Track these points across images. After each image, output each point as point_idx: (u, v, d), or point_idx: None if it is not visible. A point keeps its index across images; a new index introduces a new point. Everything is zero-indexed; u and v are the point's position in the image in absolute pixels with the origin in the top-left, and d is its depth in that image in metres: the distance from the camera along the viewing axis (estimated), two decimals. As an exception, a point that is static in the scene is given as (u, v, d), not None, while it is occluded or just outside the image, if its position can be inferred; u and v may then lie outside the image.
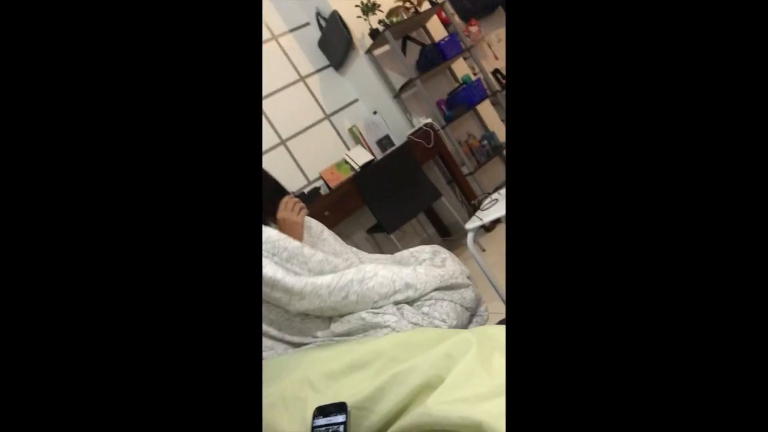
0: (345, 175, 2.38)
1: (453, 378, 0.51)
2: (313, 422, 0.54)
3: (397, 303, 0.78)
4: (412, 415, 0.50)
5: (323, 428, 0.52)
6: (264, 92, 2.38)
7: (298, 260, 0.78)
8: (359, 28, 2.29)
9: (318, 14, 2.42)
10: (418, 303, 0.80)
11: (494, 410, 0.43)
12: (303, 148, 2.43)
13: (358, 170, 2.30)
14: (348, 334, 0.75)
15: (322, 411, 0.54)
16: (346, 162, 2.41)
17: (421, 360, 0.56)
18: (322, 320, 0.80)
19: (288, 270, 0.76)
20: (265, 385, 0.73)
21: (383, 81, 2.42)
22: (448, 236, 2.58)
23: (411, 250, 0.97)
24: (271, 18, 2.48)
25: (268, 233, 0.78)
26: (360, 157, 2.39)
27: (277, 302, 0.77)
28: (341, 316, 0.77)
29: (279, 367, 0.71)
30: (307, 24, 2.54)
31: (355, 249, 1.06)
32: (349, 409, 0.52)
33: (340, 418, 0.52)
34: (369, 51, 2.34)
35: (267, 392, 0.64)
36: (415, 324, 0.74)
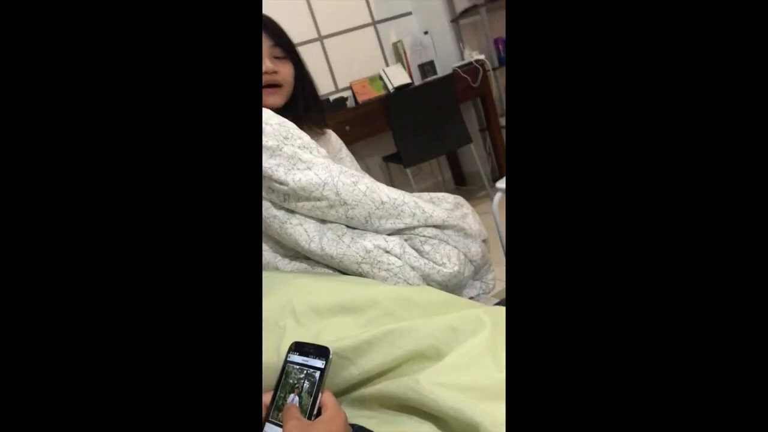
0: (376, 92, 2.21)
1: (454, 357, 0.45)
2: (287, 356, 0.48)
3: (401, 231, 0.71)
4: (399, 384, 0.44)
5: (297, 367, 0.47)
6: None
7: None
8: (436, -73, 2.00)
9: None
10: (421, 239, 0.73)
11: (497, 414, 0.37)
12: (339, 50, 2.23)
13: (392, 91, 2.13)
14: (341, 260, 0.68)
15: (300, 348, 0.48)
16: (381, 78, 2.23)
17: (421, 324, 0.49)
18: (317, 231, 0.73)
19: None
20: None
21: (444, 0, 2.16)
22: (463, 185, 2.48)
23: (432, 194, 0.88)
24: None
25: (282, 119, 0.69)
26: (397, 77, 2.21)
27: (273, 199, 0.69)
28: (339, 231, 0.70)
29: (264, 283, 0.66)
30: None
31: (369, 177, 0.98)
32: (330, 356, 0.46)
33: (319, 363, 0.46)
34: (440, -40, 2.07)
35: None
36: (415, 269, 0.68)
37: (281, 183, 0.67)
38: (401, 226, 0.70)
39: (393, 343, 0.49)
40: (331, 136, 0.93)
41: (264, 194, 0.71)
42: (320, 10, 2.17)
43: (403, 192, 0.73)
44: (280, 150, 0.67)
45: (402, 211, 0.69)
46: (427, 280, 0.67)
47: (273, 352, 0.51)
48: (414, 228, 0.72)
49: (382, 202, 0.69)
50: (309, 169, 0.67)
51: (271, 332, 0.54)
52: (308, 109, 0.87)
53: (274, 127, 0.69)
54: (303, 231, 0.70)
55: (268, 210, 0.71)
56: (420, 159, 1.99)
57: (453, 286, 0.70)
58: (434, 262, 0.69)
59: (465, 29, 2.22)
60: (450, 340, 0.47)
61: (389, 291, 0.56)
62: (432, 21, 2.26)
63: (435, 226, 0.74)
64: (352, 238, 0.74)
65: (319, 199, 0.67)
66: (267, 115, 0.70)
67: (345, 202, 0.67)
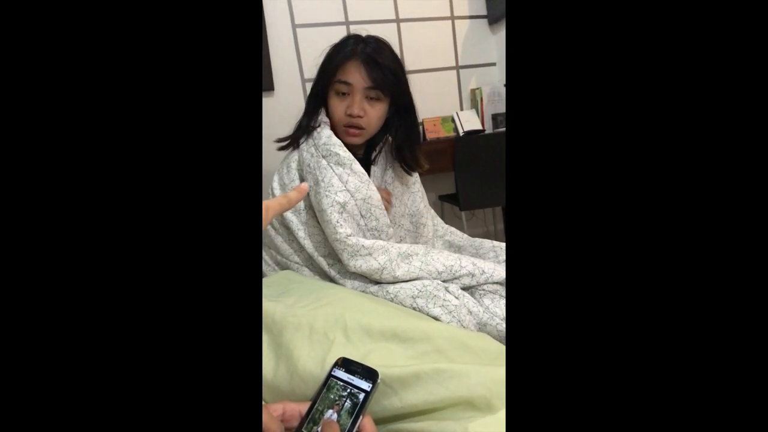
0: (446, 133, 2.24)
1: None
2: (332, 370, 0.47)
3: (463, 287, 0.70)
4: (444, 428, 0.42)
5: (341, 384, 0.46)
6: (408, 15, 2.23)
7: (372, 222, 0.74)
8: (537, -11, 2.05)
9: (501, -43, 2.18)
10: (481, 291, 0.71)
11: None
12: (418, 86, 2.29)
13: (461, 134, 2.15)
14: (396, 294, 0.67)
15: (347, 365, 0.47)
16: (453, 120, 2.26)
17: (474, 371, 0.47)
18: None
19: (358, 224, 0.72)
20: (298, 294, 0.69)
21: (532, 57, 2.19)
22: (513, 241, 2.42)
23: (494, 243, 0.87)
24: (451, -59, 2.27)
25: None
26: (470, 121, 2.23)
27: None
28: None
29: (318, 290, 0.66)
30: (485, -37, 2.31)
31: (434, 214, 0.97)
32: (379, 380, 0.44)
33: (365, 385, 0.45)
34: (534, 19, 2.11)
35: (296, 311, 0.59)
36: (473, 314, 0.66)
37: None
38: (459, 285, 0.70)
39: (441, 383, 0.47)
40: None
41: None
42: (408, 46, 2.25)
43: (459, 256, 0.73)
44: None
45: (459, 275, 0.70)
46: (483, 329, 0.65)
47: (317, 362, 0.51)
48: (472, 286, 0.72)
49: (439, 272, 0.70)
50: (370, 254, 0.71)
51: (319, 342, 0.53)
52: (401, 149, 0.85)
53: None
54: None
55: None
56: (477, 205, 1.97)
57: None
58: (493, 314, 0.67)
59: (546, 89, 2.23)
60: (502, 394, 0.45)
61: (444, 329, 0.55)
62: (514, 75, 2.30)
63: (496, 283, 0.72)
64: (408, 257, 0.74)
65: (379, 279, 0.71)
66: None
67: (402, 279, 0.70)
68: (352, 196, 0.72)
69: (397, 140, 0.86)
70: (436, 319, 0.64)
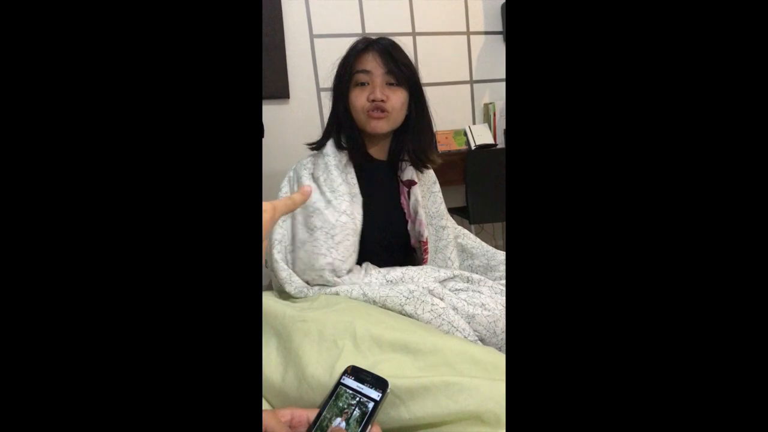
0: (457, 146, 2.24)
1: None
2: (341, 378, 0.47)
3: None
4: (454, 442, 0.42)
5: (350, 392, 0.46)
6: (425, 29, 2.26)
7: None
8: (553, 8, 2.07)
9: (519, -25, 2.21)
10: (455, 290, 0.73)
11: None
12: (431, 99, 2.31)
13: (473, 148, 2.16)
14: (384, 303, 0.67)
15: (357, 373, 0.47)
16: (465, 134, 2.27)
17: (484, 386, 0.47)
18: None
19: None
20: (309, 299, 0.69)
21: (546, 73, 2.20)
22: (522, 256, 2.41)
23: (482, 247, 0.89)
24: (470, -41, 2.30)
25: None
26: (482, 136, 2.24)
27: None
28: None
29: (330, 299, 0.66)
30: (502, -19, 2.34)
31: (453, 222, 0.97)
32: (388, 390, 0.44)
33: (374, 395, 0.44)
34: (550, 36, 2.12)
35: (306, 314, 0.59)
36: (458, 310, 0.66)
37: None
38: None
39: (451, 396, 0.46)
40: (430, 172, 0.94)
41: None
42: (423, 60, 2.27)
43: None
44: None
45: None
46: (472, 321, 0.65)
47: (326, 369, 0.51)
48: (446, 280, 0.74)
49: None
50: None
51: (328, 349, 0.53)
52: (419, 142, 0.86)
53: None
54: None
55: None
56: (486, 219, 1.97)
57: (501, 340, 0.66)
58: (475, 305, 0.67)
59: (559, 106, 2.23)
60: (513, 411, 0.44)
61: (454, 343, 0.54)
62: (528, 91, 2.31)
63: (464, 280, 0.74)
64: (393, 269, 0.74)
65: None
66: None
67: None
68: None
69: (410, 135, 0.86)
70: (427, 323, 0.64)
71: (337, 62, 0.86)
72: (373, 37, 0.85)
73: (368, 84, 0.81)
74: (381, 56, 0.80)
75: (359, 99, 0.81)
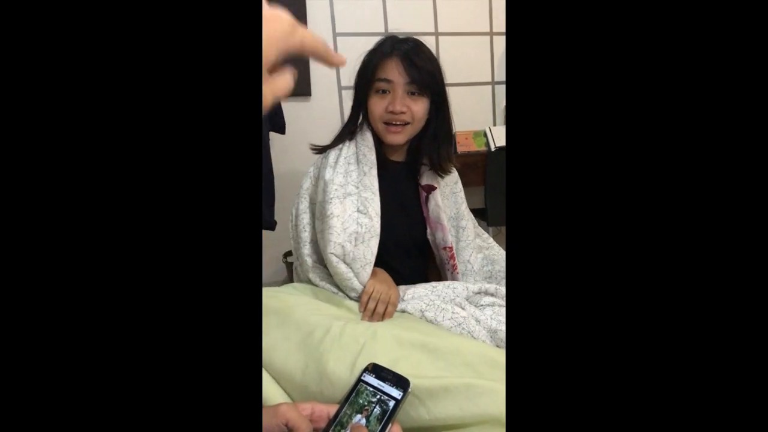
0: (477, 147, 2.23)
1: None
2: (362, 375, 0.48)
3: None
4: (474, 444, 0.42)
5: (371, 389, 0.46)
6: (448, 29, 2.25)
7: None
8: (580, 9, 2.04)
9: (545, -25, 2.18)
10: (481, 305, 0.71)
11: None
12: (452, 100, 2.30)
13: (493, 150, 2.14)
14: (404, 308, 0.67)
15: (378, 371, 0.47)
16: (485, 135, 2.25)
17: (504, 390, 0.46)
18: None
19: None
20: (326, 301, 0.69)
21: (570, 76, 2.17)
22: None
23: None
24: (496, -42, 2.28)
25: None
26: (502, 138, 2.21)
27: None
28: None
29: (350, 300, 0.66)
30: (528, -19, 2.31)
31: (474, 223, 0.96)
32: (410, 389, 0.44)
33: (395, 393, 0.45)
34: (575, 38, 2.09)
35: (324, 313, 0.60)
36: (480, 323, 0.65)
37: None
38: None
39: (472, 399, 0.46)
40: (454, 173, 0.93)
41: None
42: (446, 60, 2.26)
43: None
44: None
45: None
46: (495, 336, 0.64)
47: (347, 366, 0.51)
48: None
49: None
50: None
51: (348, 345, 0.53)
52: (437, 149, 0.84)
53: None
54: None
55: None
56: (505, 221, 1.95)
57: None
58: (500, 321, 0.66)
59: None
60: (534, 417, 0.44)
61: (474, 345, 0.54)
62: (551, 94, 2.28)
63: (489, 294, 0.72)
64: (415, 286, 0.73)
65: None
66: None
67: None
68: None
69: (429, 140, 0.85)
70: (449, 329, 0.63)
71: (360, 59, 0.84)
72: (399, 36, 0.83)
73: (388, 92, 0.78)
74: (403, 64, 0.77)
75: (378, 107, 0.79)
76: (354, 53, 2.40)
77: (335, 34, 2.08)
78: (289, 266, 1.89)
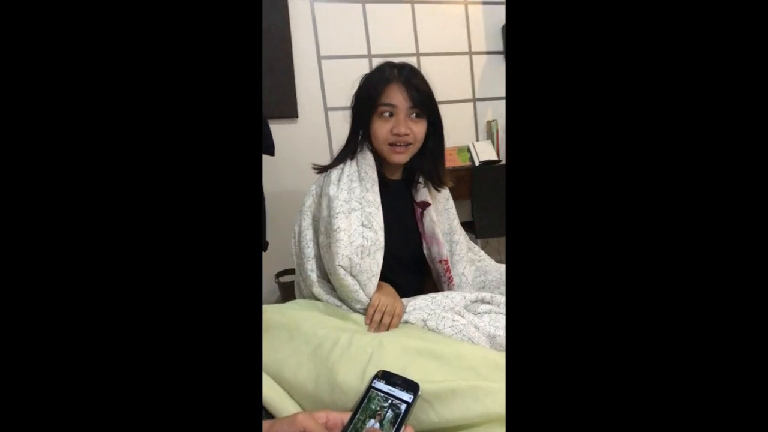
0: (461, 162, 2.29)
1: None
2: (372, 382, 0.50)
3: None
4: (483, 441, 0.44)
5: (382, 395, 0.48)
6: (429, 49, 2.33)
7: None
8: (553, 29, 2.14)
9: None
10: (478, 312, 0.74)
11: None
12: (435, 117, 2.38)
13: (477, 164, 2.20)
14: (407, 319, 0.70)
15: (387, 377, 0.50)
16: (469, 151, 2.32)
17: (508, 389, 0.49)
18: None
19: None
20: (331, 314, 0.71)
21: (547, 92, 2.26)
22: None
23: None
24: (472, -17, 2.39)
25: None
26: (485, 152, 2.28)
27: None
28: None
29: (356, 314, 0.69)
30: (502, 3, 2.41)
31: (466, 237, 1.00)
32: (420, 392, 0.47)
33: (406, 397, 0.47)
34: (550, 56, 2.19)
35: (331, 326, 0.62)
36: (479, 329, 0.68)
37: None
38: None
39: (478, 399, 0.49)
40: (446, 191, 0.98)
41: None
42: (427, 78, 2.33)
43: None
44: None
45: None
46: (494, 342, 0.67)
47: (357, 375, 0.53)
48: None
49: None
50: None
51: (357, 355, 0.56)
52: (434, 165, 0.89)
53: None
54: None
55: None
56: (492, 233, 2.00)
57: None
58: (498, 327, 0.69)
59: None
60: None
61: (477, 350, 0.57)
62: (529, 109, 2.37)
63: (486, 302, 0.76)
64: (415, 298, 0.76)
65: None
66: None
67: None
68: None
69: (426, 158, 0.89)
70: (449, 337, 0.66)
71: (358, 82, 0.89)
72: (395, 62, 0.87)
73: (392, 115, 0.83)
74: (407, 89, 0.82)
75: (382, 129, 0.83)
76: (338, 75, 2.44)
77: (320, 58, 2.14)
78: (283, 286, 1.89)
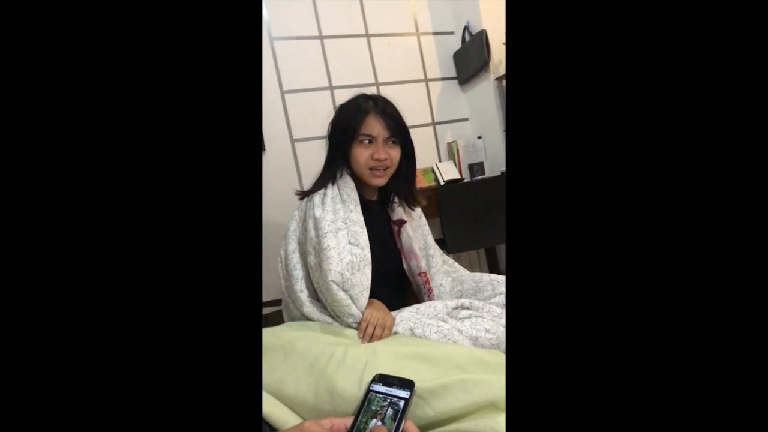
0: (428, 182, 2.39)
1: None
2: (370, 386, 0.54)
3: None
4: (478, 424, 0.49)
5: (381, 396, 0.52)
6: (387, 79, 2.45)
7: None
8: (499, 54, 2.30)
9: (466, 28, 2.45)
10: (460, 318, 0.79)
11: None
12: (398, 142, 2.48)
13: (443, 184, 2.30)
14: (395, 330, 0.75)
15: (384, 379, 0.54)
16: (433, 171, 2.42)
17: (494, 379, 0.54)
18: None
19: None
20: (324, 332, 0.74)
21: (500, 111, 2.41)
22: (498, 282, 2.52)
23: (492, 276, 0.96)
24: (421, 15, 2.55)
25: None
26: (448, 172, 2.39)
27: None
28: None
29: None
30: (452, 33, 2.59)
31: (440, 250, 1.06)
32: (415, 388, 0.51)
33: (403, 394, 0.51)
34: (499, 78, 2.34)
35: (325, 342, 0.65)
36: (462, 333, 0.73)
37: None
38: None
39: (467, 390, 0.53)
40: (418, 209, 1.05)
41: None
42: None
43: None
44: None
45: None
46: (476, 343, 0.72)
47: (355, 382, 0.57)
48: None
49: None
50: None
51: (353, 364, 0.59)
52: (408, 186, 0.97)
53: None
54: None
55: None
56: (464, 247, 2.08)
57: None
58: (479, 329, 0.74)
59: (515, 139, 2.43)
60: (522, 396, 0.52)
61: (464, 350, 0.62)
62: (486, 128, 2.51)
63: (465, 308, 0.81)
64: (401, 309, 0.81)
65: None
66: None
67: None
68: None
69: (401, 180, 0.96)
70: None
71: (334, 113, 0.96)
72: (368, 93, 0.96)
73: (371, 142, 0.91)
74: (383, 119, 0.91)
75: (363, 155, 0.91)
76: (302, 108, 2.50)
77: (282, 92, 2.21)
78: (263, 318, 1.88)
